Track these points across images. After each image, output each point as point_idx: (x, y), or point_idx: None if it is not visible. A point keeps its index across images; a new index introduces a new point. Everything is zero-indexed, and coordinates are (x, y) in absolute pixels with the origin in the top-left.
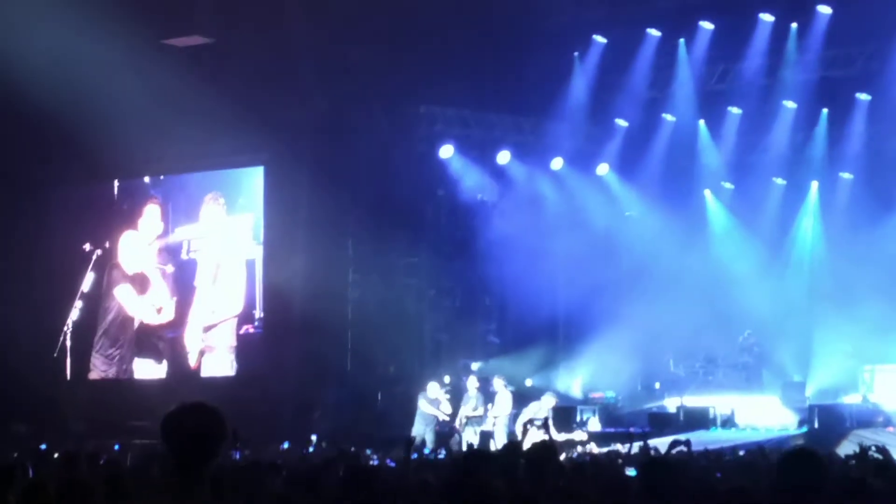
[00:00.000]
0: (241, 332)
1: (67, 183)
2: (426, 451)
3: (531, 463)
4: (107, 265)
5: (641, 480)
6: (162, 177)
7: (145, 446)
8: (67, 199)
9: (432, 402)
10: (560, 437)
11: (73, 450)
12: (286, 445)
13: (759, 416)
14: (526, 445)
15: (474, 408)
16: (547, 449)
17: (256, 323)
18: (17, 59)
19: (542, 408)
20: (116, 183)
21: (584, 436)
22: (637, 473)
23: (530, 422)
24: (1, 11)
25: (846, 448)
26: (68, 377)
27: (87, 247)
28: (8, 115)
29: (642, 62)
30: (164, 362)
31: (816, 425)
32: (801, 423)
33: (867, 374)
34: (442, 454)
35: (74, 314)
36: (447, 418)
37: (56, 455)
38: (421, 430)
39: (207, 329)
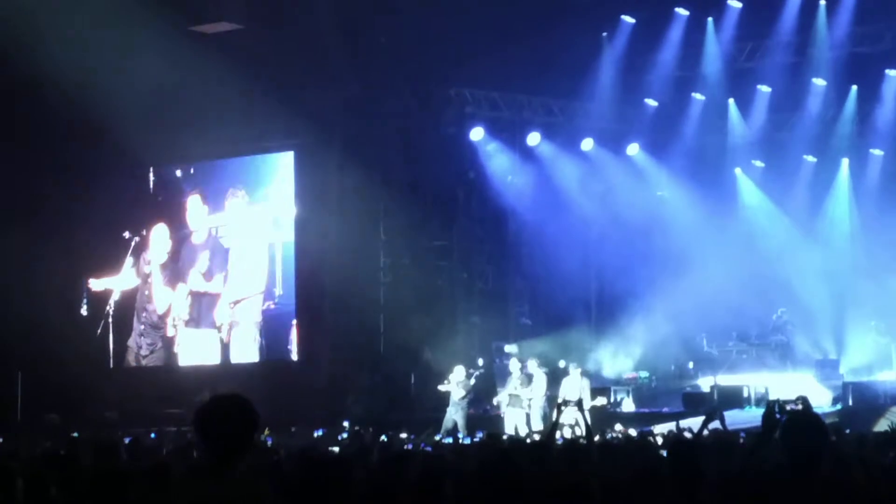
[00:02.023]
0: (265, 308)
1: (101, 171)
2: (460, 435)
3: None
4: (142, 253)
5: (670, 463)
6: (192, 170)
7: (181, 434)
8: (103, 188)
9: (459, 385)
10: (594, 403)
11: (109, 438)
12: (320, 433)
13: (794, 394)
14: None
15: (515, 388)
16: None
17: (277, 301)
18: (50, 48)
19: (573, 384)
20: (152, 172)
21: (604, 400)
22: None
23: (564, 403)
24: (40, 5)
25: (882, 426)
26: (111, 365)
27: (126, 234)
28: (44, 104)
29: (671, 41)
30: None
31: (851, 403)
32: (835, 401)
33: None
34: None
35: (111, 304)
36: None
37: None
38: (451, 412)
39: (235, 304)
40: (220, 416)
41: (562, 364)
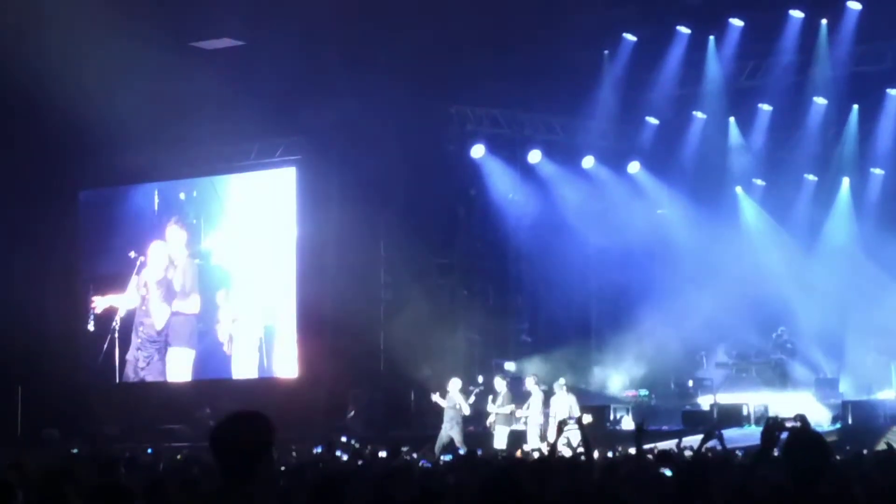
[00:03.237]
0: (267, 325)
1: (101, 187)
2: (461, 451)
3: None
4: (143, 270)
5: (677, 480)
6: (195, 192)
7: (177, 450)
8: (103, 205)
9: (448, 401)
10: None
11: (108, 453)
12: (319, 449)
13: (792, 412)
14: (561, 443)
15: (500, 406)
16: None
17: (279, 317)
18: (49, 64)
19: (561, 401)
20: (156, 190)
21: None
22: (672, 473)
23: (565, 421)
24: (36, 18)
25: (882, 445)
26: (117, 381)
27: (132, 254)
28: (40, 118)
29: (672, 60)
30: (195, 357)
31: (850, 421)
32: (834, 420)
33: None
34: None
35: (117, 321)
36: (463, 414)
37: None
38: (446, 428)
39: (234, 322)
40: (236, 433)
41: (561, 382)
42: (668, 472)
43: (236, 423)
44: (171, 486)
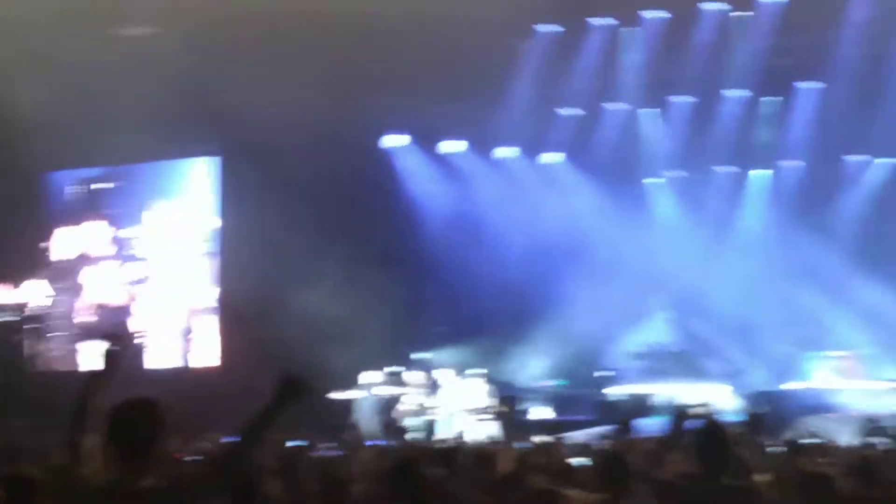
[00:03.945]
0: (185, 314)
1: (14, 175)
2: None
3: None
4: (56, 260)
5: (595, 468)
6: (113, 184)
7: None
8: (16, 193)
9: (369, 391)
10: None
11: (15, 445)
12: (230, 440)
13: (703, 402)
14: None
15: (416, 396)
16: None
17: (198, 307)
18: None
19: (476, 391)
20: (72, 178)
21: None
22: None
23: (479, 411)
24: None
25: (790, 435)
26: (27, 371)
27: (45, 243)
28: None
29: (589, 51)
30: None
31: (759, 412)
32: (743, 410)
33: (810, 359)
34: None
35: (29, 311)
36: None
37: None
38: (363, 419)
39: (155, 316)
40: (129, 419)
41: (475, 372)
42: (582, 462)
43: (128, 410)
44: (75, 476)
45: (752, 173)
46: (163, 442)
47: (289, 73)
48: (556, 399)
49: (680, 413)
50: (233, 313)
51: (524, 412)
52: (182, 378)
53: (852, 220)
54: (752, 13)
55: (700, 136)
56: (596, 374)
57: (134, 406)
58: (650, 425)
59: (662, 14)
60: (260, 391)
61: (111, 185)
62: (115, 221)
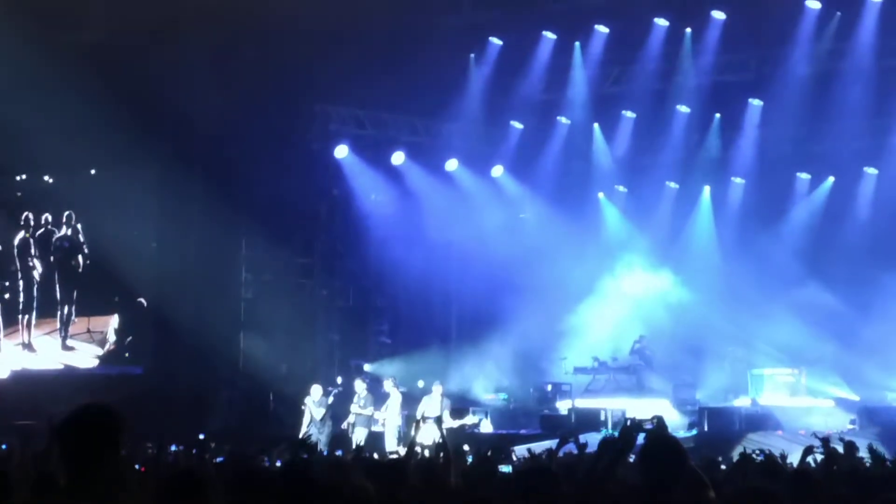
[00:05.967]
0: (122, 318)
1: None
2: (338, 453)
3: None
4: None
5: (517, 481)
6: (53, 186)
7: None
8: None
9: (317, 404)
10: (454, 423)
11: None
12: (174, 448)
13: (650, 415)
14: (419, 440)
15: (362, 407)
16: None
17: (135, 311)
18: None
19: (433, 402)
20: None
21: (476, 419)
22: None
23: (423, 418)
24: None
25: (737, 451)
26: None
27: None
28: None
29: (538, 64)
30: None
31: (706, 428)
32: (690, 426)
33: (756, 377)
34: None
35: None
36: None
37: None
38: (315, 432)
39: (80, 321)
40: (84, 425)
41: (420, 384)
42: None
43: (83, 416)
44: (18, 482)
45: (702, 188)
46: (117, 450)
47: (233, 80)
48: (501, 413)
49: (631, 425)
50: (171, 320)
51: (475, 425)
52: (122, 383)
53: (800, 235)
54: (703, 29)
55: (650, 151)
56: (542, 388)
57: (88, 412)
58: (598, 440)
59: (608, 30)
60: (198, 400)
61: (51, 188)
62: (56, 224)
